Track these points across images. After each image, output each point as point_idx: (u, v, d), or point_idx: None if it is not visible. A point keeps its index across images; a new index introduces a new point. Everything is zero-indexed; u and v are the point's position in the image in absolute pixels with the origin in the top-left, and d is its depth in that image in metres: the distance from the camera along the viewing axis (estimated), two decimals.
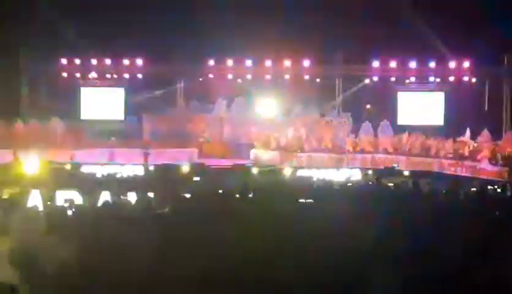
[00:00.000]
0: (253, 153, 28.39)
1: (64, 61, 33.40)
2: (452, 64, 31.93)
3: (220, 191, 11.68)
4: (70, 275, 4.51)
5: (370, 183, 14.75)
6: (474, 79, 32.03)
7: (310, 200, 8.81)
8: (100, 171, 23.56)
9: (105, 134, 31.40)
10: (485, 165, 23.92)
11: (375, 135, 30.17)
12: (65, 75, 33.73)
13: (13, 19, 29.94)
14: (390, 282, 3.86)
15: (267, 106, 32.49)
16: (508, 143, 25.85)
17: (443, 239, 4.98)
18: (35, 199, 16.25)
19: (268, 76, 33.03)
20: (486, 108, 32.01)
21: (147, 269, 4.48)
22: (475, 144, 26.38)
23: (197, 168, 24.35)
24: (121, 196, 13.01)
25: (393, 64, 32.26)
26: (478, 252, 4.67)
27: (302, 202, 9.11)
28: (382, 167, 25.93)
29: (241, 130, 31.21)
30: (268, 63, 32.68)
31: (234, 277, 4.30)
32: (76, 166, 24.83)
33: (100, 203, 11.25)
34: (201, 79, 33.41)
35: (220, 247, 5.02)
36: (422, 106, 33.64)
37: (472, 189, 16.23)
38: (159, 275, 4.44)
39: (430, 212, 7.32)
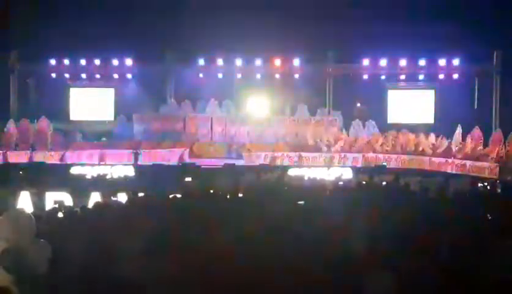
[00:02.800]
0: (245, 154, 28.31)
1: (52, 62, 33.19)
2: (442, 62, 31.99)
3: (211, 191, 11.66)
4: (61, 278, 4.47)
5: (364, 182, 14.74)
6: (464, 77, 32.10)
7: (301, 202, 8.76)
8: (90, 172, 23.48)
9: (94, 135, 31.32)
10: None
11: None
12: (54, 75, 33.55)
13: (2, 20, 29.77)
14: (385, 285, 3.85)
15: (258, 106, 32.49)
16: (497, 142, 25.96)
17: (437, 239, 4.98)
18: (25, 201, 16.21)
19: (259, 75, 32.98)
20: (476, 105, 32.13)
21: (138, 270, 4.46)
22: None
23: (188, 168, 24.32)
24: (112, 197, 12.97)
25: (383, 62, 32.27)
26: (470, 250, 4.67)
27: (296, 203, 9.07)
28: (373, 165, 26.00)
29: (232, 129, 31.22)
30: (259, 62, 32.63)
31: (224, 279, 4.28)
32: (66, 167, 24.73)
33: (90, 204, 11.21)
34: (191, 78, 33.27)
35: (210, 248, 5.00)
36: (412, 104, 33.72)
37: (463, 186, 16.32)
38: (150, 277, 4.42)
39: (422, 211, 7.32)
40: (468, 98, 31.87)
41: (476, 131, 26.99)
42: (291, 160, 27.13)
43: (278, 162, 26.85)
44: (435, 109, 33.41)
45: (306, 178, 21.93)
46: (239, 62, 32.58)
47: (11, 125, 30.26)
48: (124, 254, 4.81)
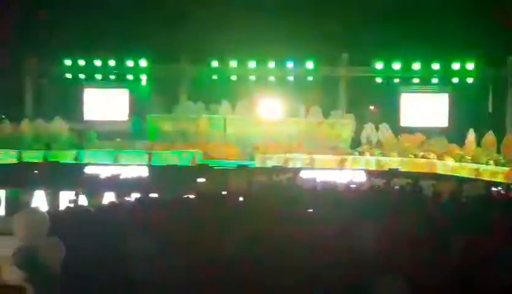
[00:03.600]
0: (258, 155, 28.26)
1: (67, 62, 33.43)
2: (456, 65, 31.87)
3: (224, 192, 11.69)
4: (74, 276, 4.53)
5: (377, 186, 14.69)
6: (478, 81, 31.93)
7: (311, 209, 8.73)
8: (104, 172, 23.60)
9: (109, 135, 31.46)
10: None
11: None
12: (69, 76, 33.79)
13: (17, 20, 30.03)
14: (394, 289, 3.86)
15: (271, 108, 32.48)
16: (509, 146, 25.86)
17: (449, 244, 4.97)
18: (39, 200, 16.36)
19: (272, 78, 33.03)
20: (490, 109, 31.98)
21: (150, 270, 4.50)
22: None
23: (201, 170, 24.36)
24: (125, 197, 13.04)
25: (397, 65, 32.21)
26: (485, 256, 4.66)
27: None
28: (386, 169, 25.89)
29: (245, 131, 31.22)
30: (272, 64, 32.69)
31: (234, 280, 4.31)
32: (81, 167, 24.87)
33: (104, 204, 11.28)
34: (205, 80, 33.38)
35: (221, 249, 5.03)
36: (425, 108, 33.60)
37: (476, 191, 16.23)
38: (162, 277, 4.46)
39: (435, 216, 7.30)
40: (482, 103, 31.75)
41: (489, 136, 26.86)
42: (303, 162, 27.09)
43: (290, 164, 26.83)
44: (448, 113, 33.28)
45: (318, 180, 21.90)
46: (252, 64, 32.67)
47: (26, 125, 30.47)
48: (136, 254, 4.85)
